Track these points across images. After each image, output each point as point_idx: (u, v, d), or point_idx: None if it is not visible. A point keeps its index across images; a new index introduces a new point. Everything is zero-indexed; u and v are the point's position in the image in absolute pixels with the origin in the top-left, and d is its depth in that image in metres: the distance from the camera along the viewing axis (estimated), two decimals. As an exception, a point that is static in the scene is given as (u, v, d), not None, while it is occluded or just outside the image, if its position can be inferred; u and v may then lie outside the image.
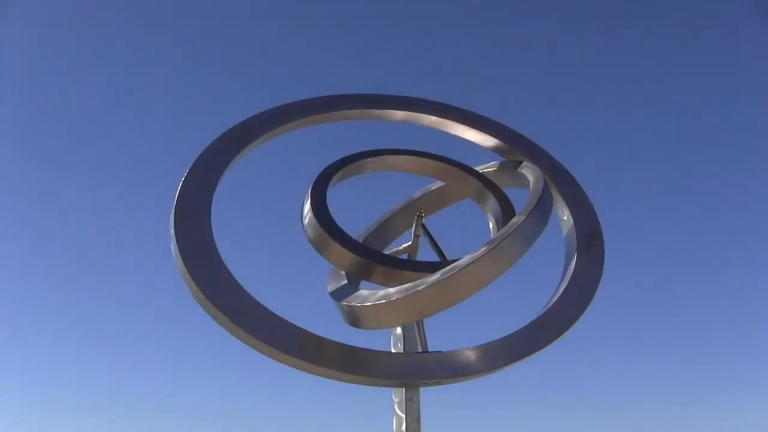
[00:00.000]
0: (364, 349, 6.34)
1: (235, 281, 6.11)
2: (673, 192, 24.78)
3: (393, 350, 7.24)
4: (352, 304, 6.41)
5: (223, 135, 6.97)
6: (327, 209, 6.92)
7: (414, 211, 8.21)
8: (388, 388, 7.03)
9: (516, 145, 8.18)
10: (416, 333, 6.79)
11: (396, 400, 7.06)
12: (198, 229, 6.24)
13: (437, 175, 8.26)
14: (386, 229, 8.53)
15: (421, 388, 6.76)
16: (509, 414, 20.79)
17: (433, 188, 8.57)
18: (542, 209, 6.79)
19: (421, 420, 7.00)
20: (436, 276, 6.14)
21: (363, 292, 6.73)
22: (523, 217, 6.53)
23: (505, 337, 6.50)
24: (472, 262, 6.13)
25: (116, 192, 25.30)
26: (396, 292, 6.17)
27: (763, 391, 19.82)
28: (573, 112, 25.52)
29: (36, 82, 24.88)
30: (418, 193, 8.66)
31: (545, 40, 25.89)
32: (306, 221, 6.97)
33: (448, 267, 6.27)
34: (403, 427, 6.86)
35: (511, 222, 6.64)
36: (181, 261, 6.04)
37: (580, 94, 25.95)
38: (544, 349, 6.49)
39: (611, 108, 25.41)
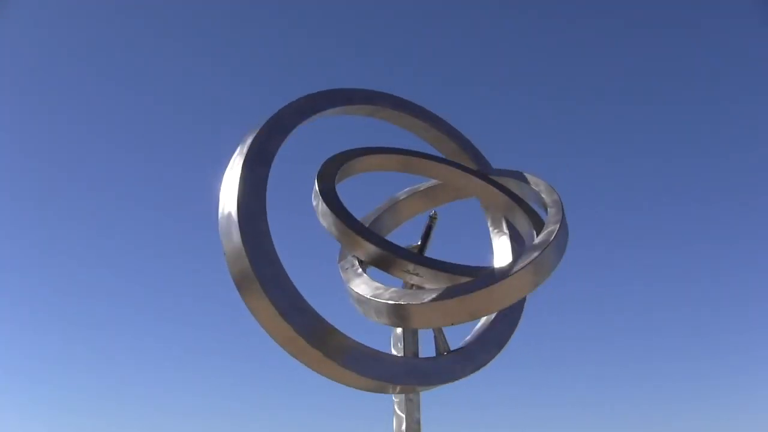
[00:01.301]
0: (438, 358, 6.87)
1: (311, 307, 6.05)
2: (673, 190, 24.79)
3: (393, 351, 7.24)
4: (400, 302, 6.38)
5: (255, 144, 6.65)
6: (342, 204, 6.96)
7: (402, 210, 8.31)
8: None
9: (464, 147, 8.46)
10: (438, 336, 7.00)
11: (396, 400, 7.08)
12: (271, 260, 6.01)
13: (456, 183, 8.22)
14: (375, 226, 8.49)
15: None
16: (508, 414, 20.83)
17: (422, 188, 8.55)
18: (565, 220, 7.00)
19: (421, 420, 7.04)
20: (496, 279, 6.24)
21: (401, 290, 6.72)
22: (557, 226, 6.71)
23: (491, 324, 7.14)
24: (524, 267, 6.25)
25: (115, 191, 25.34)
26: (453, 292, 6.20)
27: (761, 390, 19.85)
28: (571, 111, 25.56)
29: (35, 82, 24.90)
30: (403, 194, 8.57)
31: (544, 36, 25.91)
32: (322, 213, 6.91)
33: (500, 271, 6.36)
34: (403, 427, 6.90)
35: (548, 230, 6.77)
36: (263, 294, 5.78)
37: (578, 94, 25.96)
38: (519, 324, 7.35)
39: (608, 108, 25.45)
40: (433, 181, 8.46)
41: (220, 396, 21.90)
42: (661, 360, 22.23)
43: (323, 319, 5.99)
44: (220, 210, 6.21)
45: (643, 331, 23.19)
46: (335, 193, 6.97)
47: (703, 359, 21.83)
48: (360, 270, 7.12)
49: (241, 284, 5.93)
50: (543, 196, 7.35)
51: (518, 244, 7.94)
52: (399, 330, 7.23)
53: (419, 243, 7.70)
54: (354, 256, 7.15)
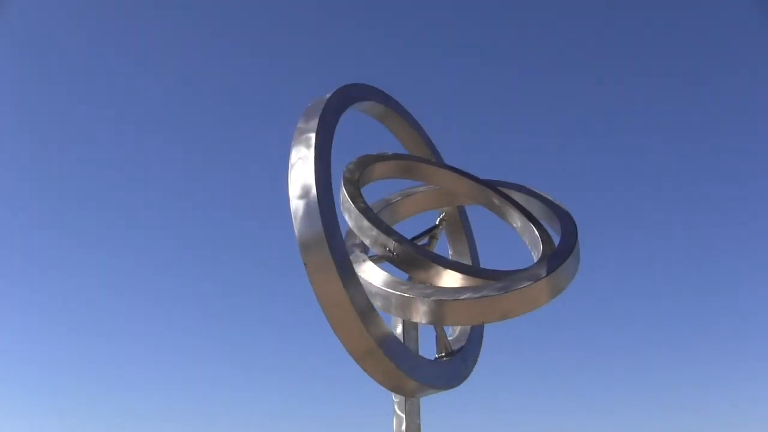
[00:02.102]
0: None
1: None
2: (673, 195, 24.80)
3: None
4: (432, 298, 6.37)
5: (318, 141, 6.60)
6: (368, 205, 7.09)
7: (397, 211, 8.35)
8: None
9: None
10: (441, 336, 7.14)
11: (396, 400, 7.07)
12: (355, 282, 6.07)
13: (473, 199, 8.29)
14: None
15: None
16: (508, 414, 20.83)
17: (416, 192, 8.56)
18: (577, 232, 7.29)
19: (421, 420, 7.04)
20: (529, 281, 6.33)
21: (428, 286, 6.72)
22: (575, 237, 6.97)
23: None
24: (557, 270, 6.39)
25: (113, 192, 25.35)
26: (489, 291, 6.23)
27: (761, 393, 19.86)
28: (568, 113, 25.57)
29: (34, 83, 24.93)
30: (397, 197, 8.50)
31: (539, 37, 25.93)
32: (350, 213, 7.02)
33: (531, 275, 6.43)
34: (403, 427, 6.90)
35: (566, 242, 6.97)
36: (341, 286, 5.76)
37: (577, 94, 25.97)
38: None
39: (607, 110, 25.45)
40: (427, 185, 8.51)
41: (218, 397, 21.92)
42: (661, 361, 22.24)
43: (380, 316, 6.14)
44: (296, 202, 6.16)
45: (642, 332, 23.19)
46: (359, 190, 7.12)
47: (701, 360, 21.84)
48: (372, 263, 7.16)
49: (316, 272, 5.91)
50: (551, 210, 7.57)
51: (472, 247, 8.61)
52: (399, 329, 7.22)
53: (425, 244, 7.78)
54: (363, 251, 7.21)
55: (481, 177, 8.28)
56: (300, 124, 6.71)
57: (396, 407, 7.09)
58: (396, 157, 8.02)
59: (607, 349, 22.43)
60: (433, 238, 7.89)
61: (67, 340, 23.60)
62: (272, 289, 24.62)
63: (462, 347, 7.27)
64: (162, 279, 24.93)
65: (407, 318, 6.74)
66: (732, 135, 24.53)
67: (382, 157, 7.81)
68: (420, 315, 6.45)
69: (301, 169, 6.31)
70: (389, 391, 7.06)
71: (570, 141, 25.62)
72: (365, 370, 6.04)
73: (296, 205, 6.10)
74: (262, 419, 21.64)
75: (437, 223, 8.02)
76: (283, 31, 26.38)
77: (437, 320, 6.57)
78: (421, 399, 7.09)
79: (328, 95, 7.02)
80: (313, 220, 5.96)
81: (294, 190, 6.20)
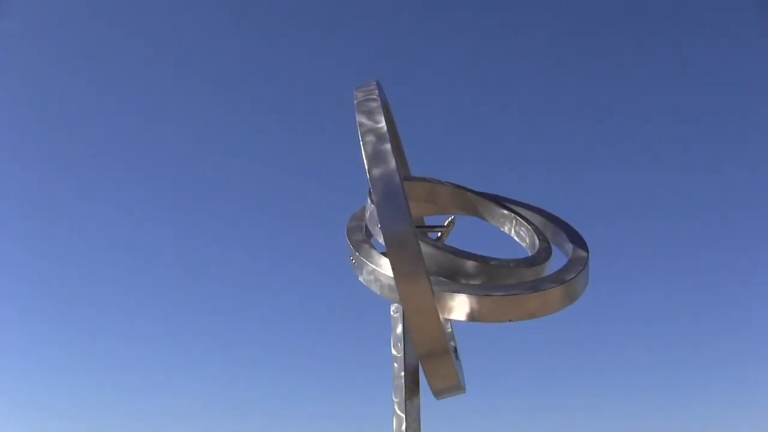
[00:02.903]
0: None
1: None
2: (672, 196, 24.80)
3: (393, 351, 7.22)
4: (472, 294, 6.06)
5: (391, 141, 6.23)
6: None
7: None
8: (389, 388, 7.07)
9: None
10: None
11: (396, 400, 7.05)
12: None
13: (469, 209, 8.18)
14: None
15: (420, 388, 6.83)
16: (509, 415, 20.83)
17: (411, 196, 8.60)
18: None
19: (421, 420, 7.02)
20: (555, 283, 6.25)
21: (455, 283, 6.42)
22: (586, 249, 7.02)
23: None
24: (578, 275, 6.36)
25: (112, 194, 25.38)
26: (520, 289, 6.11)
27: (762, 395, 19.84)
28: (566, 114, 25.59)
29: (35, 83, 24.98)
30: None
31: (533, 39, 25.96)
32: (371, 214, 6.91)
33: (554, 278, 6.37)
34: (403, 427, 6.86)
35: (580, 252, 6.94)
36: (437, 319, 5.61)
37: (575, 95, 26.00)
38: None
39: (605, 112, 25.47)
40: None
41: (217, 396, 21.93)
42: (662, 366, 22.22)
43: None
44: (382, 204, 5.84)
45: (643, 336, 23.19)
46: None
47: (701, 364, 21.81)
48: (385, 256, 7.14)
49: (404, 278, 5.66)
50: (554, 224, 7.54)
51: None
52: (399, 330, 7.21)
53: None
54: (367, 242, 7.19)
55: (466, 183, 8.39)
56: (363, 120, 6.32)
57: (396, 407, 7.07)
58: (423, 179, 7.96)
59: (605, 349, 22.42)
60: (438, 238, 7.90)
61: (66, 339, 23.60)
62: (274, 287, 24.63)
63: (456, 347, 7.30)
64: (160, 277, 24.95)
65: (465, 319, 6.75)
66: (731, 139, 24.52)
67: (412, 178, 7.80)
68: (446, 311, 6.18)
69: (383, 170, 6.17)
70: (389, 391, 7.07)
71: (567, 142, 25.65)
72: (426, 371, 5.86)
73: (383, 207, 5.88)
74: (261, 419, 21.63)
75: (445, 224, 7.99)
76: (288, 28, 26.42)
77: (466, 317, 6.58)
78: (421, 399, 7.11)
79: (374, 90, 6.72)
80: (403, 224, 5.76)
81: (377, 190, 5.93)
